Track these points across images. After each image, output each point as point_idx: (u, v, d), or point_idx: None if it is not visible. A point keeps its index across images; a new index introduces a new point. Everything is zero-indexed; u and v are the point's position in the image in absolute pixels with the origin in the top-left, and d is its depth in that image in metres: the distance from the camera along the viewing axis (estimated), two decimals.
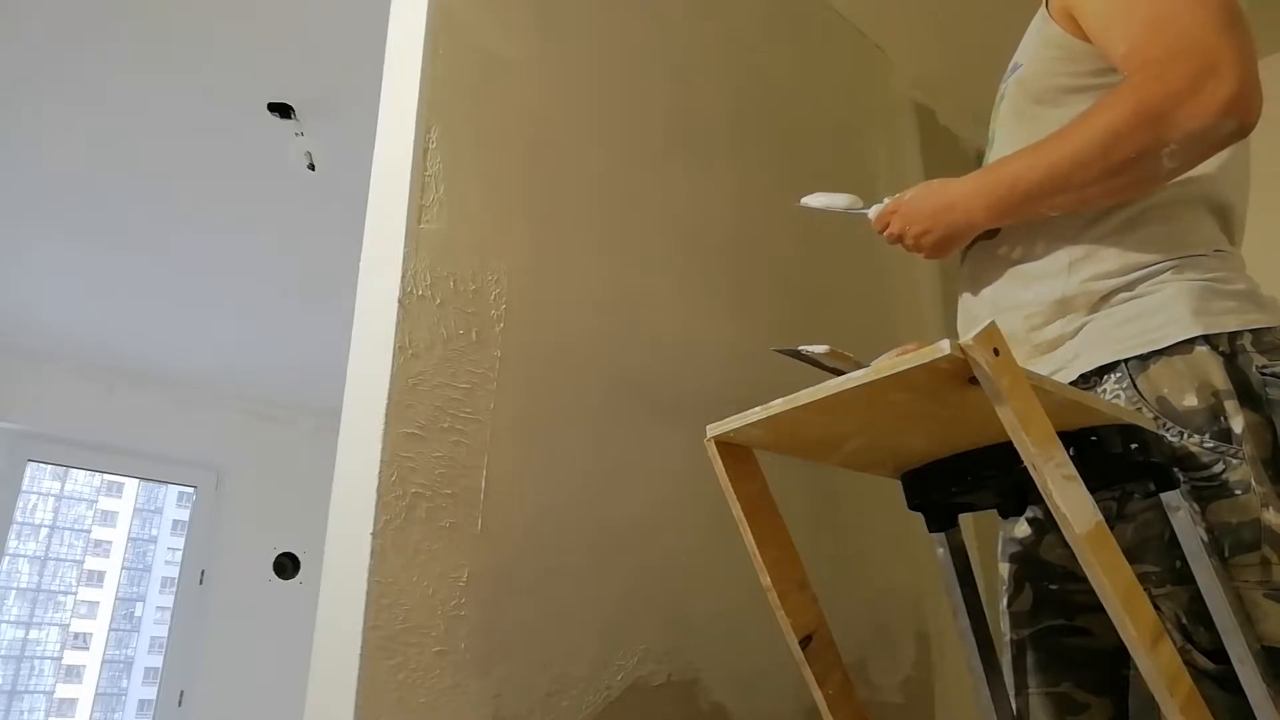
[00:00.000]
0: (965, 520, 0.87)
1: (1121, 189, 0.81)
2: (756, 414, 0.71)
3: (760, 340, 1.43)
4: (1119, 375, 0.81)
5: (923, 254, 0.95)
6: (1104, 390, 0.82)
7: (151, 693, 3.96)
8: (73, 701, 8.97)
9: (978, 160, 2.28)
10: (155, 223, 2.78)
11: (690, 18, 1.49)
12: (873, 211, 1.00)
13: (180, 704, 3.83)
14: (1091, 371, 0.83)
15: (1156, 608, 0.78)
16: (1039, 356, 0.87)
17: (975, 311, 0.95)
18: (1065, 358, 0.85)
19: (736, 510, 0.76)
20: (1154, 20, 0.78)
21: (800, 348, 0.90)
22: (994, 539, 1.01)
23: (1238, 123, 0.74)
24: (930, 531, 0.85)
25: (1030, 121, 0.90)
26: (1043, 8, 0.92)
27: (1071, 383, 0.83)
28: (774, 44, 1.69)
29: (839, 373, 0.72)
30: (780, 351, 0.90)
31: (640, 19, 1.40)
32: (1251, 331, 0.79)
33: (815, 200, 1.07)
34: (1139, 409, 0.78)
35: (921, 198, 0.93)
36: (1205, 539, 0.73)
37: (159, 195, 2.63)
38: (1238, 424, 0.75)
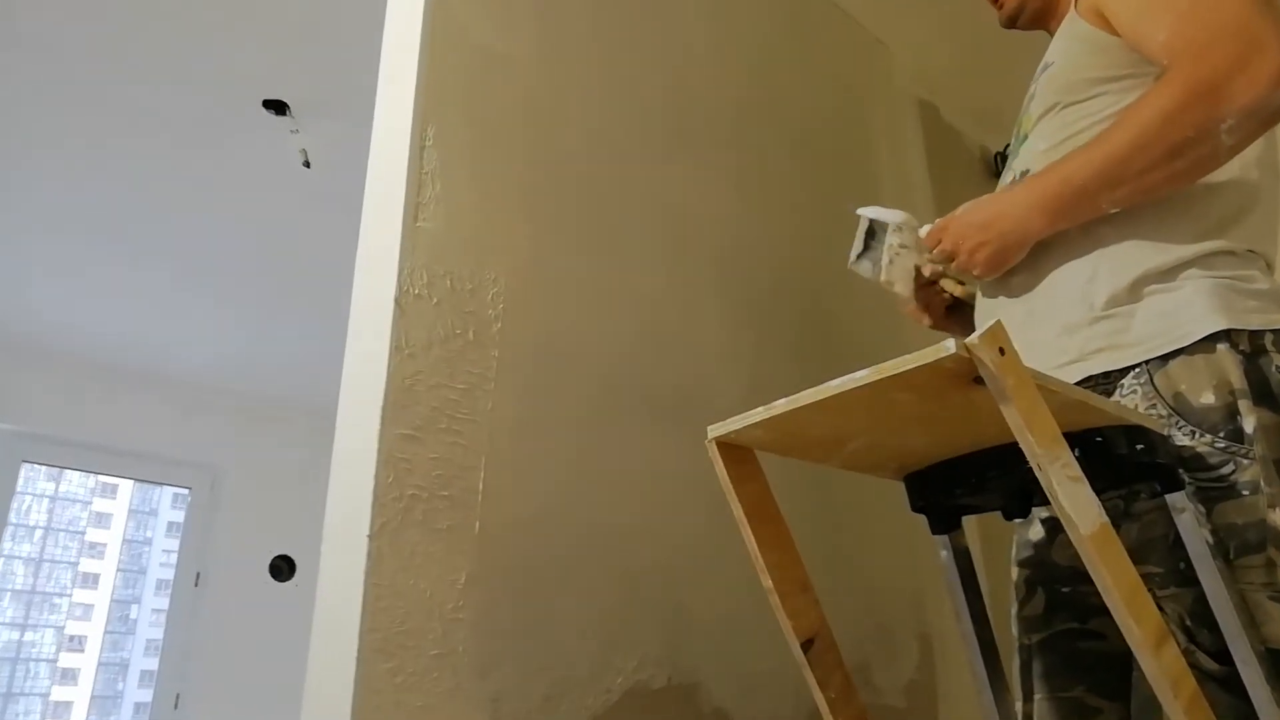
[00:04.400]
0: (969, 522, 0.87)
1: (1184, 172, 0.80)
2: (758, 414, 0.70)
3: (762, 340, 1.42)
4: (1137, 371, 0.81)
5: (977, 271, 0.91)
6: (1121, 386, 0.82)
7: (147, 695, 3.95)
8: (68, 704, 8.94)
9: (981, 157, 2.28)
10: (149, 221, 2.77)
11: (689, 13, 1.49)
12: (924, 230, 0.98)
13: (176, 707, 3.81)
14: (1114, 370, 0.83)
15: (1160, 609, 0.77)
16: (1066, 335, 0.86)
17: (998, 297, 0.94)
18: (1086, 348, 0.84)
19: (738, 512, 0.75)
20: (1191, 6, 0.79)
21: (876, 215, 1.01)
22: (998, 542, 1.00)
23: None
24: (933, 533, 0.85)
25: (1060, 114, 0.90)
26: (1072, 9, 0.93)
27: (1092, 376, 0.83)
28: (775, 39, 1.68)
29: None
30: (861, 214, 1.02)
31: (638, 15, 1.39)
32: (1273, 332, 0.78)
33: (869, 211, 1.05)
34: (1153, 405, 0.78)
35: (971, 211, 0.91)
36: (1210, 540, 0.72)
37: (154, 193, 2.62)
38: (1250, 424, 0.75)
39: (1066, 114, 0.89)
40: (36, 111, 2.23)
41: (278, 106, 2.21)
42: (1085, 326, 0.85)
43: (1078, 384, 0.85)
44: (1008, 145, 1.16)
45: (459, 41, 1.10)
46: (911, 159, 1.96)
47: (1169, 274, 0.82)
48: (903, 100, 1.99)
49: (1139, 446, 0.70)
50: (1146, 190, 0.81)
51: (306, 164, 2.37)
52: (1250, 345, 0.78)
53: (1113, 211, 0.84)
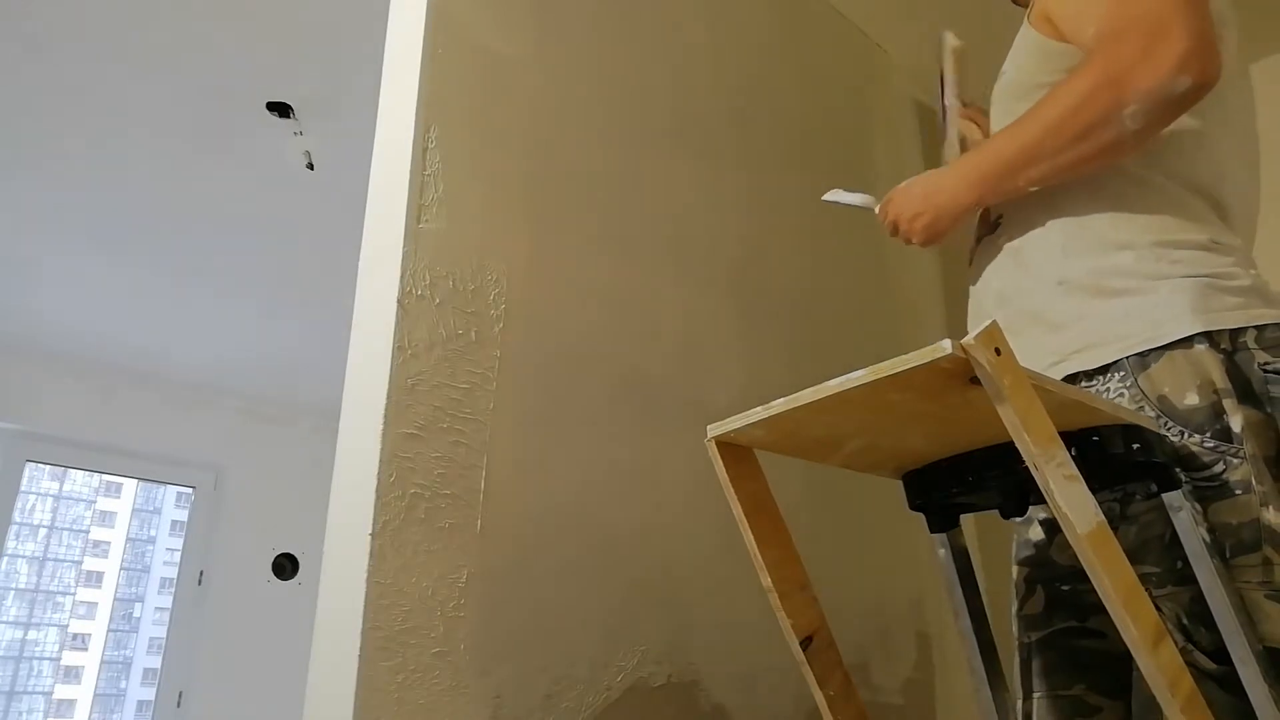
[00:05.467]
0: (966, 521, 0.87)
1: (1091, 156, 0.84)
2: (757, 414, 0.71)
3: (761, 340, 1.42)
4: (1122, 374, 0.81)
5: (916, 240, 0.98)
6: (1107, 389, 0.82)
7: (150, 694, 3.96)
8: (71, 702, 8.96)
9: None
10: (153, 222, 2.78)
11: (689, 16, 1.49)
12: (879, 207, 1.06)
13: (179, 705, 3.82)
14: (1095, 369, 0.83)
15: (1157, 608, 0.78)
16: (1046, 336, 0.88)
17: (983, 302, 0.97)
18: (1066, 349, 0.85)
19: (737, 510, 0.76)
20: (1115, 2, 0.82)
21: (841, 199, 1.11)
22: (995, 540, 1.01)
23: (1191, 79, 0.77)
24: (931, 532, 0.85)
25: (1011, 118, 0.93)
26: (1025, 20, 0.97)
27: (1072, 375, 0.85)
28: (775, 42, 1.69)
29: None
30: (827, 201, 1.12)
31: (639, 17, 1.39)
32: (1256, 328, 0.79)
33: (834, 195, 1.15)
34: (1141, 407, 0.79)
35: (914, 184, 0.99)
36: (1207, 539, 0.73)
37: (157, 195, 2.63)
38: (1236, 422, 0.75)
39: (1015, 117, 0.92)
40: (39, 112, 2.25)
41: (281, 109, 2.22)
42: (1065, 327, 0.86)
43: (1064, 378, 0.86)
44: None
45: (461, 44, 1.10)
46: (909, 159, 1.96)
47: (1141, 272, 0.83)
48: (901, 102, 1.99)
49: (1135, 446, 0.70)
50: (1061, 170, 0.86)
51: (310, 166, 2.38)
52: (1231, 343, 0.78)
53: (1032, 190, 0.89)
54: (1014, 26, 1.19)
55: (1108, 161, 0.85)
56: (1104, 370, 0.83)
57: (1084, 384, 0.84)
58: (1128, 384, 0.80)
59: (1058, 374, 0.86)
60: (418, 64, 1.04)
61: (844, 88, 1.85)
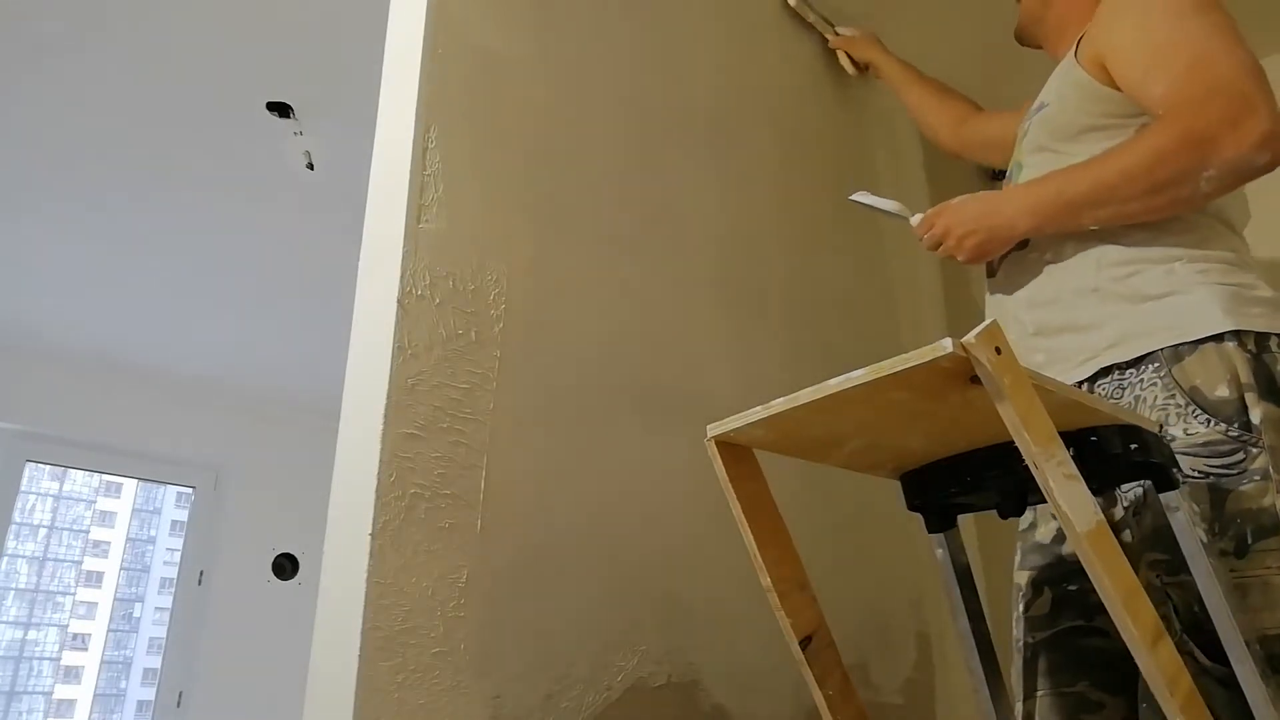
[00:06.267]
0: (965, 521, 0.88)
1: (1160, 207, 0.86)
2: (757, 413, 0.71)
3: (761, 340, 1.43)
4: (1156, 365, 0.85)
5: (962, 257, 0.99)
6: (1140, 380, 0.86)
7: (150, 694, 3.96)
8: (71, 702, 8.96)
9: (977, 166, 2.29)
10: (153, 222, 2.78)
11: (691, 18, 1.49)
12: (916, 218, 1.06)
13: (179, 705, 3.82)
14: (1127, 362, 0.86)
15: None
16: (1077, 337, 0.91)
17: (1010, 309, 1.00)
18: (1099, 345, 0.89)
19: (736, 510, 0.76)
20: (1193, 65, 0.85)
21: (871, 201, 1.12)
22: (995, 541, 1.01)
23: (1270, 156, 0.81)
24: (929, 532, 0.85)
25: (1049, 154, 0.97)
26: (1071, 54, 0.98)
27: (1104, 369, 0.89)
28: (776, 45, 1.69)
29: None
30: (854, 201, 1.13)
31: (640, 18, 1.40)
32: (1277, 335, 0.84)
33: (863, 197, 1.14)
34: (1172, 395, 0.83)
35: (969, 202, 1.00)
36: (1204, 540, 0.73)
37: (157, 194, 2.63)
38: (1256, 415, 0.80)
39: (1054, 155, 0.95)
40: (39, 110, 2.25)
41: (281, 109, 2.22)
42: (1097, 328, 0.90)
43: (1096, 373, 0.89)
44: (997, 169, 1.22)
45: (461, 43, 1.10)
46: (909, 166, 1.96)
47: (1174, 279, 0.87)
48: (901, 108, 1.99)
49: (1133, 446, 0.71)
50: (1125, 216, 0.88)
51: (310, 166, 2.38)
52: (1257, 346, 0.83)
53: (1092, 227, 0.91)
54: (1013, 28, 1.20)
55: (1170, 215, 0.88)
56: (1137, 363, 0.86)
57: (1116, 376, 0.88)
58: (1161, 374, 0.84)
59: (1089, 370, 0.90)
60: (418, 64, 1.04)
61: (843, 89, 1.85)
